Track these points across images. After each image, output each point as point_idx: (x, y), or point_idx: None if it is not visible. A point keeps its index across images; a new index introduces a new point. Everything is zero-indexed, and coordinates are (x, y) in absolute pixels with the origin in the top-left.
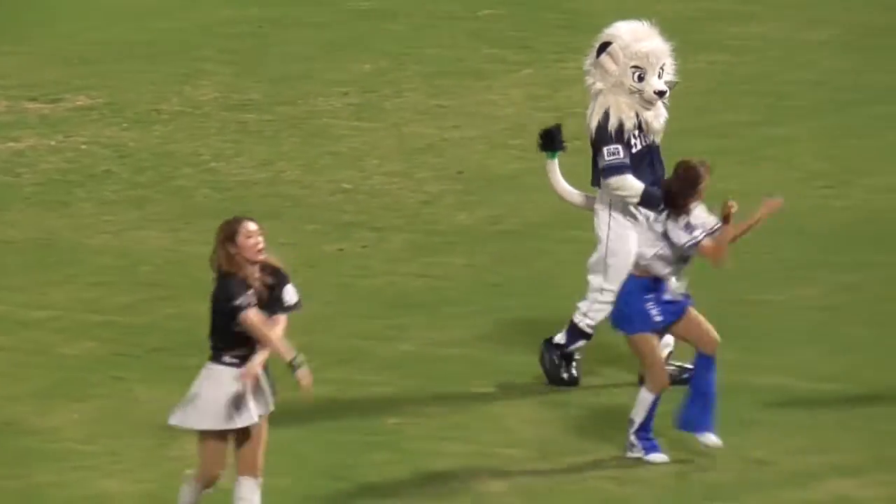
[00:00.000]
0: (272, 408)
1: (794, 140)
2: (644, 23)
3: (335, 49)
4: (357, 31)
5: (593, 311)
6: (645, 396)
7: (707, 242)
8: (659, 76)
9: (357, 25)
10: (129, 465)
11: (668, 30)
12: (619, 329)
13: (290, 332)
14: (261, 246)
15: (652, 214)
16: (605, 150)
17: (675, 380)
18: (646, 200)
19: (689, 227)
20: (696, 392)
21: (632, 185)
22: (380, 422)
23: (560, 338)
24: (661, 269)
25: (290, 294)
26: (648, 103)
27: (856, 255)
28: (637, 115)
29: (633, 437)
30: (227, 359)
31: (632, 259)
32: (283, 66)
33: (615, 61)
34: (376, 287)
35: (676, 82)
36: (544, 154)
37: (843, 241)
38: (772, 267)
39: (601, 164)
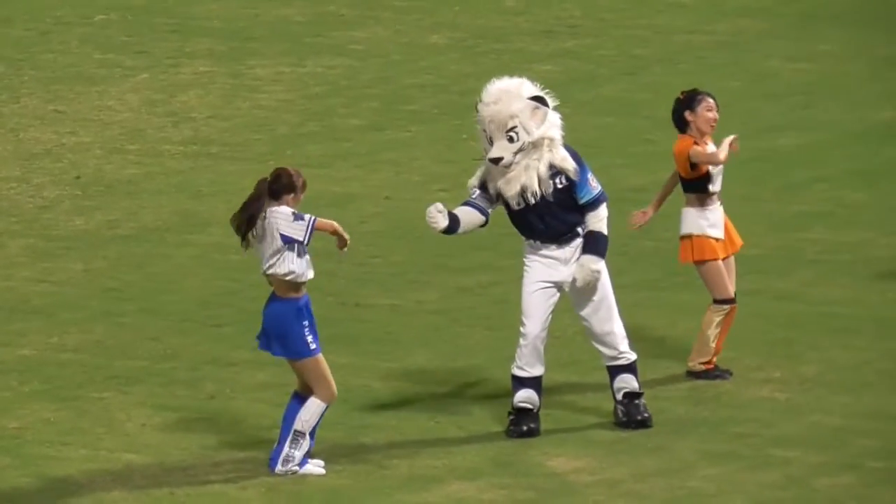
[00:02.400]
0: None
1: (412, 144)
2: (515, 80)
3: None
4: None
5: (518, 354)
6: (317, 407)
7: (321, 221)
8: (511, 140)
9: None
10: None
11: (287, 34)
12: (280, 355)
13: None
14: None
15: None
16: None
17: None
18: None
19: (296, 217)
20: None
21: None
22: (0, 427)
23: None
24: (309, 271)
25: None
26: (501, 169)
27: (472, 258)
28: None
29: (292, 451)
30: None
31: (534, 296)
32: None
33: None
34: None
35: (547, 138)
36: None
37: (459, 244)
38: (388, 270)
39: None
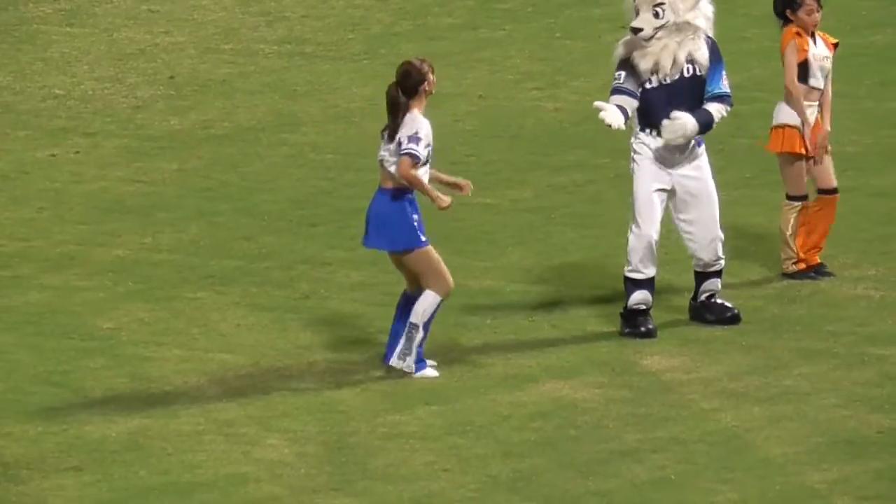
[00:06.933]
0: None
1: (507, 43)
2: None
3: None
4: None
5: (631, 256)
6: (433, 300)
7: (406, 161)
8: (657, 15)
9: None
10: None
11: None
12: (387, 249)
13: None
14: None
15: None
16: None
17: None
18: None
19: (413, 139)
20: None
21: (607, 102)
22: (95, 327)
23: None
24: (424, 175)
25: None
26: (640, 41)
27: (567, 156)
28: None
29: (408, 345)
30: None
31: (650, 198)
32: None
33: None
34: (89, 192)
35: (686, 22)
36: None
37: (554, 142)
38: (482, 169)
39: None
